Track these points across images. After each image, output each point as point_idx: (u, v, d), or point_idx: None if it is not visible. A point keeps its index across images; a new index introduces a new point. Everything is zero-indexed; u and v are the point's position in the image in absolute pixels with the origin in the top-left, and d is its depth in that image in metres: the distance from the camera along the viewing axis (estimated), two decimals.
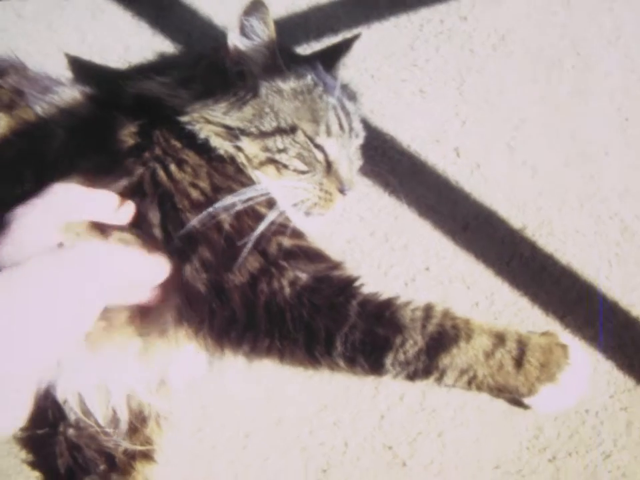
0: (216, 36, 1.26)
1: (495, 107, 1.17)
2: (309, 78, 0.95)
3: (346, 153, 0.96)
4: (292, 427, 0.96)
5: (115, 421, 0.92)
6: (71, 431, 0.92)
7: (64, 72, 1.19)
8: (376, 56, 1.22)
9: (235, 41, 0.90)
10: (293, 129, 0.90)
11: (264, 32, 0.89)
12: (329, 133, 0.93)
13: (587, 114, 1.16)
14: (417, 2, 1.26)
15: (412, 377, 0.81)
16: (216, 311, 0.80)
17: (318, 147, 0.92)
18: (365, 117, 1.14)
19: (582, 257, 1.05)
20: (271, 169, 0.90)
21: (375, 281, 1.01)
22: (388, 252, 1.07)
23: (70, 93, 0.93)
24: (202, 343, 0.82)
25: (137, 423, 0.94)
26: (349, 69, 1.11)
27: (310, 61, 1.00)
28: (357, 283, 0.84)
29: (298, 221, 0.92)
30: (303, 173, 0.91)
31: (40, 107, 0.90)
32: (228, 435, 0.96)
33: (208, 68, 0.94)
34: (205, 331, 0.81)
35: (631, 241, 1.06)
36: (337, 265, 0.86)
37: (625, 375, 0.97)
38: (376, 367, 0.81)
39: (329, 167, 0.94)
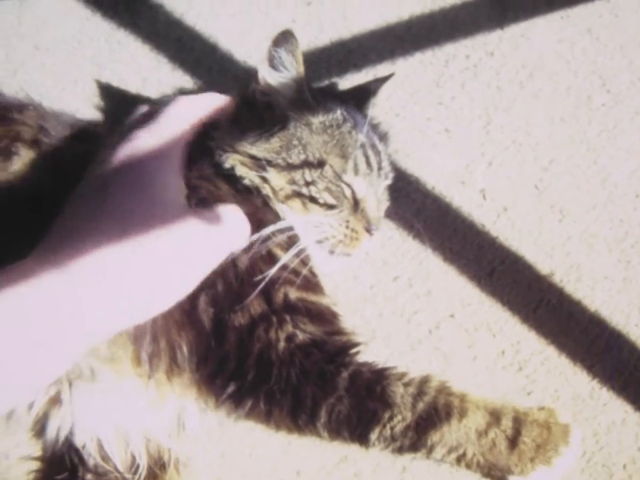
0: (236, 71, 1.31)
1: (523, 147, 1.21)
2: (339, 113, 0.98)
3: (374, 191, 0.99)
4: (312, 479, 1.00)
5: (134, 466, 0.95)
6: (89, 477, 0.95)
7: (80, 105, 1.25)
8: (401, 93, 1.27)
9: (264, 72, 0.93)
10: (320, 163, 0.93)
11: (292, 64, 0.93)
12: (356, 170, 0.96)
13: (617, 154, 1.20)
14: (442, 37, 1.31)
15: (399, 451, 0.85)
16: (212, 351, 0.84)
17: (346, 184, 0.95)
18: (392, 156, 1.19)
19: (611, 304, 1.09)
20: (296, 202, 0.92)
21: (397, 329, 1.07)
22: (411, 298, 1.11)
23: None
24: (192, 389, 0.87)
25: (156, 469, 0.97)
26: (374, 107, 1.15)
27: (340, 98, 1.04)
28: (352, 351, 0.88)
29: (321, 260, 0.96)
30: (330, 207, 0.93)
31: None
32: None
33: (237, 99, 0.97)
34: (198, 375, 0.86)
35: None
36: (338, 330, 0.90)
37: None
38: (360, 441, 0.86)
39: (356, 204, 0.96)
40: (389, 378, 0.87)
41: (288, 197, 0.92)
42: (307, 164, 0.92)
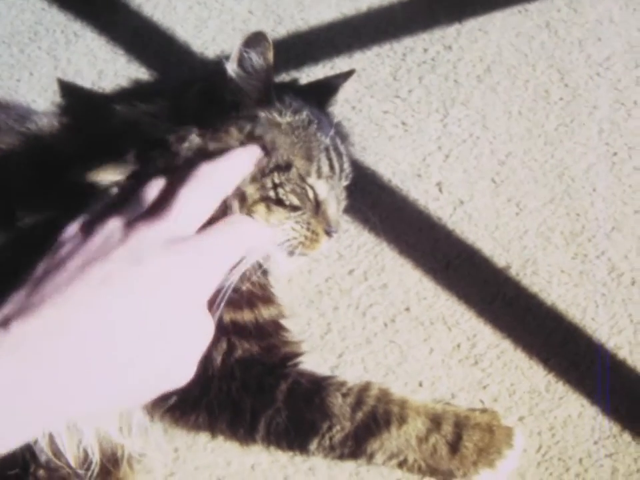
0: (193, 63, 1.32)
1: (480, 141, 1.23)
2: (304, 114, 0.96)
3: (335, 193, 0.99)
4: (266, 473, 0.99)
5: (86, 462, 0.93)
6: (41, 472, 0.93)
7: (35, 97, 1.25)
8: (357, 86, 1.28)
9: (232, 73, 0.89)
10: (288, 166, 0.91)
11: (262, 67, 0.89)
12: (319, 174, 0.95)
13: (574, 148, 1.22)
14: (400, 30, 1.33)
15: (339, 459, 0.87)
16: None
17: (309, 186, 0.94)
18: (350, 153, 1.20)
19: (567, 298, 1.11)
20: (261, 207, 0.90)
21: (353, 322, 1.08)
22: (367, 291, 1.12)
23: (47, 122, 0.96)
24: None
25: (109, 465, 0.95)
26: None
27: (304, 96, 1.03)
28: (292, 362, 0.89)
29: (278, 261, 0.97)
30: (294, 209, 0.92)
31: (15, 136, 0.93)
32: (201, 479, 1.00)
33: (200, 97, 0.94)
34: None
35: (618, 281, 1.12)
36: (278, 343, 0.91)
37: (610, 420, 1.01)
38: (300, 451, 0.88)
39: (317, 206, 0.96)
40: (328, 388, 0.88)
41: (254, 203, 0.89)
42: (277, 167, 0.90)
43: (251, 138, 0.89)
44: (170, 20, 1.36)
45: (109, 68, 1.31)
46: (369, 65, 1.30)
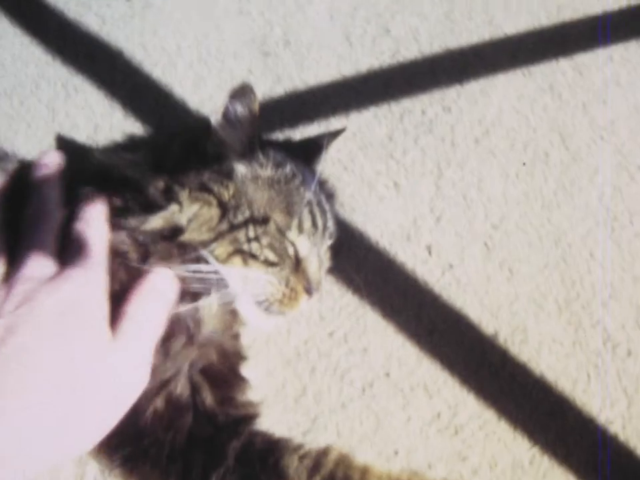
0: (188, 119, 1.34)
1: (474, 204, 1.22)
2: (288, 168, 0.98)
3: (316, 251, 0.99)
4: None
5: None
6: None
7: (30, 148, 1.28)
8: (351, 146, 1.28)
9: (215, 124, 0.92)
10: (265, 220, 0.92)
11: (247, 119, 0.92)
12: (301, 229, 0.96)
13: (573, 213, 1.20)
14: (399, 92, 1.33)
15: None
16: None
17: (289, 242, 0.95)
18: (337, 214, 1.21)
19: (557, 368, 1.08)
20: (237, 259, 0.90)
21: (329, 385, 1.06)
22: (346, 354, 1.10)
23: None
24: None
25: None
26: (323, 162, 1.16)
27: (291, 151, 1.05)
28: (247, 421, 0.87)
29: (255, 318, 0.96)
30: (271, 265, 0.93)
31: None
32: None
33: (183, 148, 0.97)
34: None
35: (613, 351, 1.08)
36: (233, 402, 0.90)
37: None
38: None
39: (297, 263, 0.96)
40: (283, 450, 0.85)
41: (229, 255, 0.90)
42: (252, 220, 0.91)
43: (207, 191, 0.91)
44: (169, 77, 1.39)
45: (105, 122, 1.34)
46: (364, 126, 1.30)
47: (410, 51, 1.39)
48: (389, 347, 1.11)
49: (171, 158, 0.96)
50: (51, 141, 1.31)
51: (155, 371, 0.80)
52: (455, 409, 1.05)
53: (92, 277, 0.77)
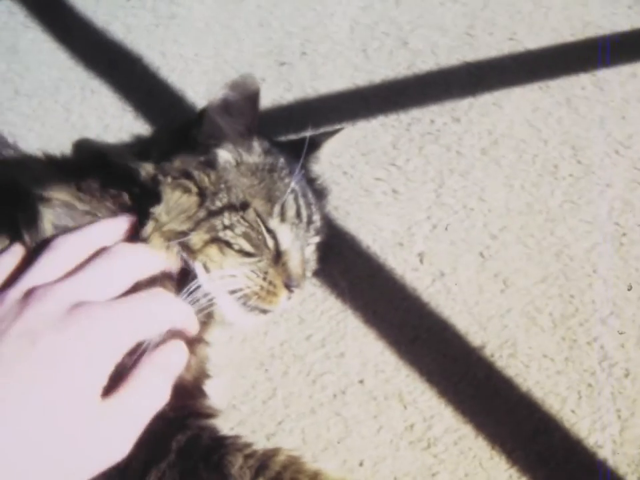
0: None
1: (473, 213, 1.15)
2: (274, 157, 0.96)
3: (300, 244, 0.95)
4: None
5: None
6: None
7: (43, 146, 1.29)
8: (354, 152, 1.24)
9: (212, 111, 0.91)
10: (243, 206, 0.89)
11: (247, 108, 0.91)
12: (283, 217, 0.92)
13: (578, 226, 1.13)
14: (410, 101, 1.29)
15: None
16: None
17: (270, 231, 0.91)
18: (328, 214, 1.16)
19: (546, 385, 0.99)
20: (213, 249, 0.88)
21: (300, 389, 1.01)
22: (322, 359, 1.04)
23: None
24: None
25: None
26: (320, 163, 1.13)
27: (285, 147, 1.02)
28: (194, 415, 0.82)
29: (234, 314, 0.92)
30: (247, 255, 0.89)
31: None
32: None
33: (171, 136, 0.97)
34: None
35: (609, 371, 0.99)
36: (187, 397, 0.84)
37: None
38: None
39: (278, 256, 0.92)
40: (229, 447, 0.79)
41: (205, 244, 0.88)
42: (229, 207, 0.89)
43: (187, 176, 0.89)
44: (184, 82, 1.39)
45: (115, 123, 1.34)
46: (370, 133, 1.26)
47: (426, 63, 1.35)
48: (367, 354, 1.04)
49: (157, 148, 0.95)
50: (61, 140, 1.31)
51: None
52: (430, 421, 0.98)
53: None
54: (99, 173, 0.89)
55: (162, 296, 0.81)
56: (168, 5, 1.51)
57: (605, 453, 0.93)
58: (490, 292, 1.08)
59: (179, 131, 0.96)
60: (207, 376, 0.90)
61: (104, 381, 0.72)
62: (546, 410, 0.97)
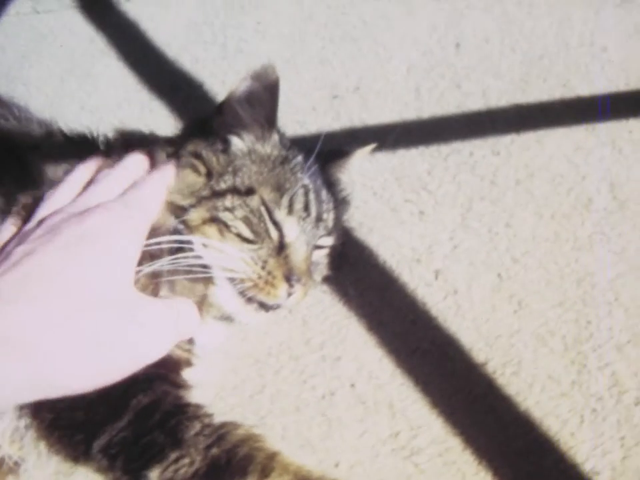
0: None
1: (497, 237, 1.10)
2: (291, 152, 0.96)
3: (306, 239, 0.93)
4: None
5: None
6: None
7: None
8: (388, 176, 1.22)
9: (233, 100, 0.92)
10: (249, 191, 0.89)
11: (266, 99, 0.91)
12: (290, 209, 0.91)
13: (606, 256, 1.06)
14: (453, 136, 1.27)
15: None
16: None
17: (276, 223, 0.90)
18: (351, 229, 1.15)
19: (547, 406, 0.92)
20: (212, 229, 0.88)
21: (289, 387, 0.98)
22: (317, 360, 1.01)
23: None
24: None
25: None
26: (349, 174, 1.14)
27: (311, 153, 0.99)
28: (161, 379, 0.80)
29: (236, 308, 0.91)
30: (246, 241, 0.88)
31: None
32: None
33: (190, 126, 1.00)
34: None
35: (618, 398, 0.92)
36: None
37: None
38: (134, 478, 0.74)
39: (281, 247, 0.90)
40: (189, 413, 0.77)
41: (204, 222, 0.88)
42: (232, 190, 0.89)
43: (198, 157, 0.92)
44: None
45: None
46: (408, 160, 1.24)
47: (476, 104, 1.33)
48: (364, 360, 1.00)
49: (178, 135, 0.99)
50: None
51: None
52: (417, 430, 0.92)
53: (128, 216, 0.80)
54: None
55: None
56: (237, 42, 1.56)
57: (603, 479, 0.85)
58: (502, 312, 1.02)
59: (202, 121, 0.97)
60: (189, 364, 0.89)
61: (133, 265, 0.77)
62: (543, 431, 0.90)
